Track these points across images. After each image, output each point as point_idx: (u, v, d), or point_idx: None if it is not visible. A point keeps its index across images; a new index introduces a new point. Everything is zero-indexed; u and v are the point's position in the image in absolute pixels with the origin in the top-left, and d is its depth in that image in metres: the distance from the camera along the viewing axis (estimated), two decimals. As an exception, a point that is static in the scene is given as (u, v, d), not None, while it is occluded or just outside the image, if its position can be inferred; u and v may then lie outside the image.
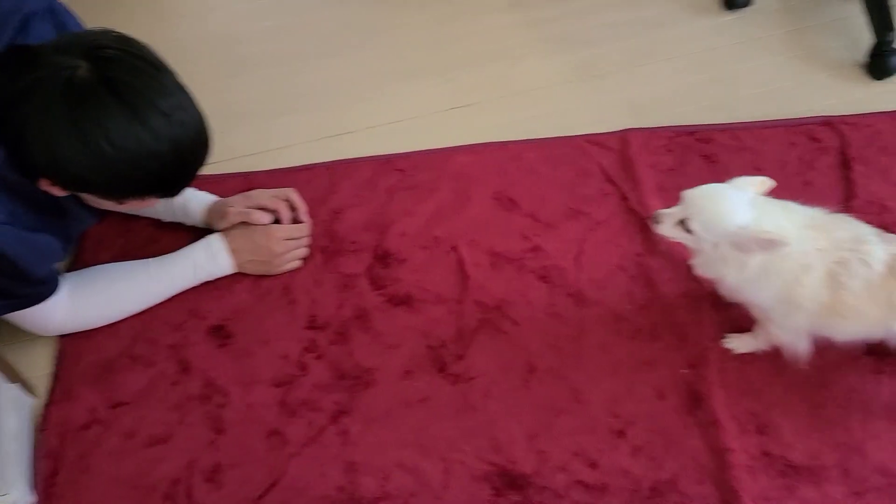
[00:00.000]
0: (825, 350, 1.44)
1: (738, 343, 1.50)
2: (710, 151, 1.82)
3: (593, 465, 1.38)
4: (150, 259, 1.57)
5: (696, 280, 1.52)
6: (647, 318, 1.56)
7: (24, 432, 1.42)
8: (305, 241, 1.65)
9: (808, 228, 1.31)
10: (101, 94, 1.11)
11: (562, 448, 1.40)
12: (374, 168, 1.81)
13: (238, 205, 1.61)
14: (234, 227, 1.59)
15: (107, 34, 1.18)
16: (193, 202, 1.63)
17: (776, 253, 1.27)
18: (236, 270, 1.61)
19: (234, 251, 1.58)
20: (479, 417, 1.43)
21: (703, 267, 1.39)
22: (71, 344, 1.54)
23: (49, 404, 1.47)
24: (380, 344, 1.53)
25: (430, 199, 1.75)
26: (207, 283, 1.60)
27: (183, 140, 1.19)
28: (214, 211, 1.62)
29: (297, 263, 1.64)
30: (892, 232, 1.35)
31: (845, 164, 1.79)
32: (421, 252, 1.66)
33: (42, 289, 1.42)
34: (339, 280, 1.62)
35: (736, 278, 1.33)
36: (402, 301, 1.58)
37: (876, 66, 2.03)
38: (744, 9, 2.22)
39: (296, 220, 1.65)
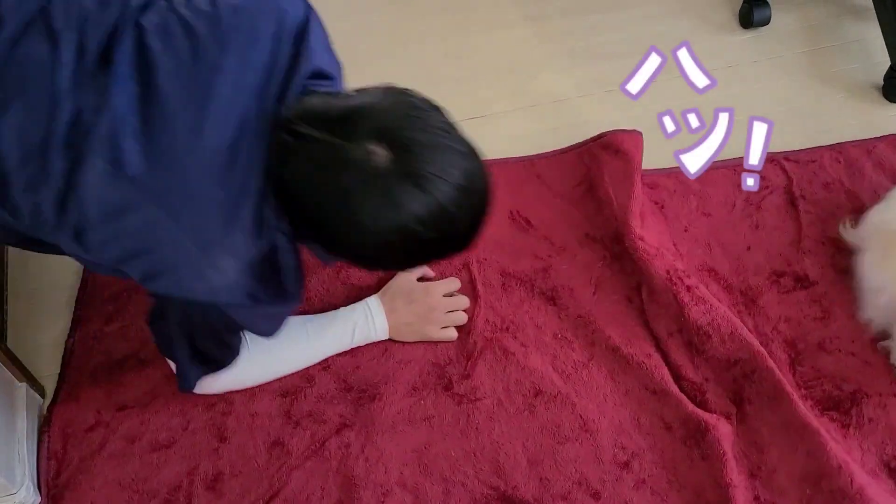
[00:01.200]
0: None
1: None
2: (658, 198, 1.70)
3: (596, 495, 1.31)
4: (309, 318, 1.43)
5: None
6: (656, 348, 1.48)
7: (33, 432, 1.37)
8: (463, 302, 1.51)
9: None
10: (403, 184, 0.98)
11: (565, 476, 1.33)
12: None
13: None
14: (389, 288, 1.49)
15: (405, 110, 1.04)
16: None
17: None
18: (390, 334, 1.46)
19: (391, 311, 1.44)
20: (482, 439, 1.37)
21: None
22: (80, 345, 1.48)
23: (54, 405, 1.41)
24: (388, 358, 1.46)
25: None
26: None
27: (480, 210, 1.08)
28: None
29: (454, 333, 1.47)
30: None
31: (792, 202, 1.69)
32: (432, 269, 1.58)
33: (230, 355, 1.31)
34: (349, 292, 1.54)
35: None
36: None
37: (892, 89, 1.95)
38: (762, 28, 2.14)
39: None
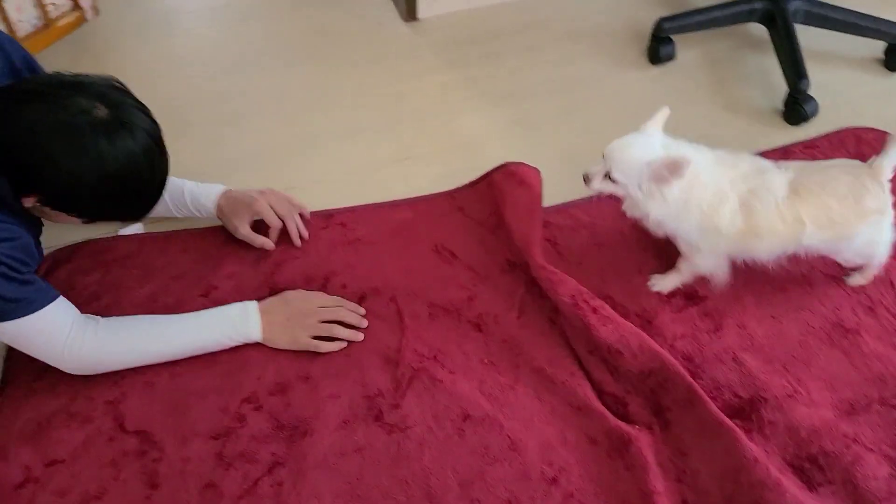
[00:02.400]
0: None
1: (663, 283, 1.55)
2: (550, 235, 1.69)
3: (525, 513, 1.27)
4: (189, 314, 1.44)
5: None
6: (580, 366, 1.46)
7: (-40, 493, 1.29)
8: (341, 314, 1.49)
9: (717, 164, 1.40)
10: (119, 131, 1.21)
11: (495, 496, 1.28)
12: (316, 222, 1.70)
13: (245, 221, 1.58)
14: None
15: (109, 81, 1.28)
16: (204, 196, 1.58)
17: (692, 183, 1.35)
18: (263, 337, 1.45)
19: (265, 311, 1.46)
20: (413, 466, 1.32)
21: (632, 209, 1.44)
22: (8, 402, 1.40)
23: (-17, 464, 1.33)
24: (318, 393, 1.41)
25: (370, 252, 1.64)
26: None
27: (165, 167, 1.32)
28: (235, 200, 1.58)
29: (325, 346, 1.46)
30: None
31: None
32: (360, 303, 1.54)
33: (33, 292, 1.27)
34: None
35: (660, 212, 1.39)
36: (342, 351, 1.47)
37: (791, 113, 2.00)
38: (668, 63, 2.18)
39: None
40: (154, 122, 1.29)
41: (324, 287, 1.57)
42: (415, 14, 2.28)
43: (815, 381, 1.44)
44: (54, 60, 2.05)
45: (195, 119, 1.97)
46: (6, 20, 1.81)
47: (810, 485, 1.30)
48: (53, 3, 1.93)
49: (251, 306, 1.46)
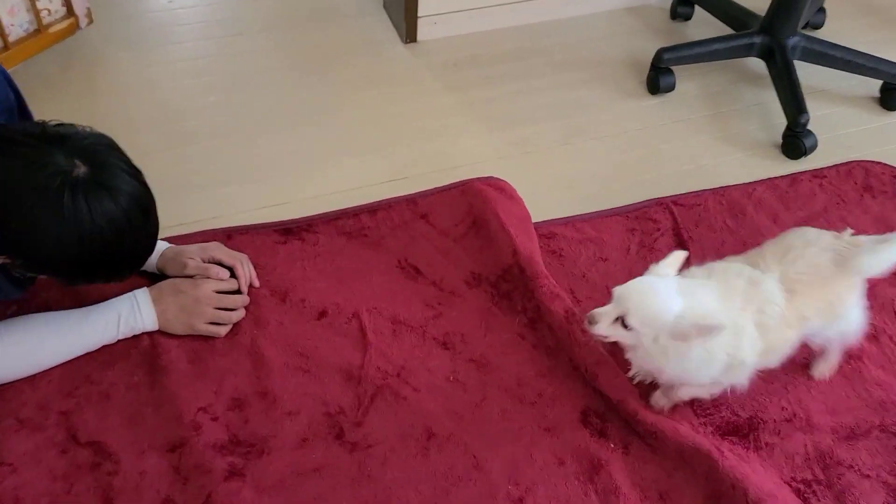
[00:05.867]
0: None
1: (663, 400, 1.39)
2: (556, 247, 1.67)
3: (489, 534, 1.22)
4: (74, 310, 1.41)
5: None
6: (549, 384, 1.42)
7: None
8: (236, 301, 1.49)
9: (723, 299, 1.25)
10: (98, 192, 1.13)
11: (459, 517, 1.24)
12: (275, 237, 1.65)
13: (196, 256, 1.49)
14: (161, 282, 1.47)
15: (100, 139, 1.20)
16: None
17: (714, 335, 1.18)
18: (159, 325, 1.44)
19: (157, 300, 1.43)
20: (375, 487, 1.27)
21: (643, 361, 1.29)
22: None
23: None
24: (277, 410, 1.36)
25: (330, 266, 1.60)
26: (104, 349, 1.41)
27: (151, 231, 1.25)
28: (171, 259, 1.49)
29: (223, 330, 1.46)
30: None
31: (681, 244, 1.69)
32: (321, 319, 1.50)
33: None
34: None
35: (679, 368, 1.25)
36: (301, 367, 1.42)
37: (790, 147, 1.98)
38: (667, 94, 2.16)
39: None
40: (144, 186, 1.20)
41: (282, 302, 1.52)
42: (415, 36, 2.26)
43: (816, 403, 1.43)
44: (44, 68, 2.05)
45: (196, 130, 1.95)
46: (-2, 24, 1.80)
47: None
48: (47, 10, 1.91)
49: (142, 298, 1.43)
